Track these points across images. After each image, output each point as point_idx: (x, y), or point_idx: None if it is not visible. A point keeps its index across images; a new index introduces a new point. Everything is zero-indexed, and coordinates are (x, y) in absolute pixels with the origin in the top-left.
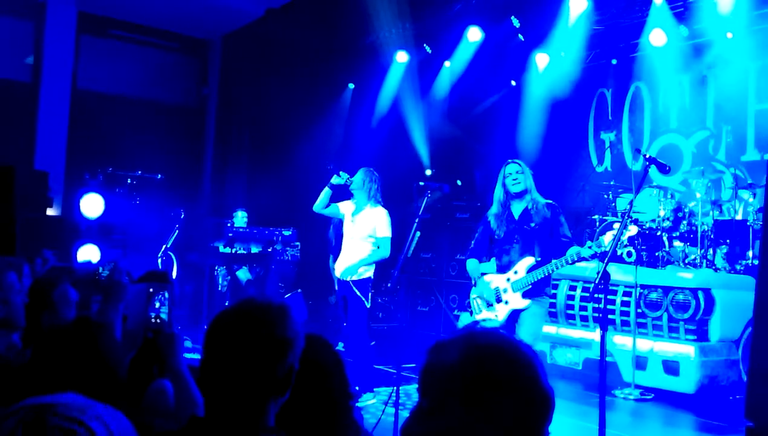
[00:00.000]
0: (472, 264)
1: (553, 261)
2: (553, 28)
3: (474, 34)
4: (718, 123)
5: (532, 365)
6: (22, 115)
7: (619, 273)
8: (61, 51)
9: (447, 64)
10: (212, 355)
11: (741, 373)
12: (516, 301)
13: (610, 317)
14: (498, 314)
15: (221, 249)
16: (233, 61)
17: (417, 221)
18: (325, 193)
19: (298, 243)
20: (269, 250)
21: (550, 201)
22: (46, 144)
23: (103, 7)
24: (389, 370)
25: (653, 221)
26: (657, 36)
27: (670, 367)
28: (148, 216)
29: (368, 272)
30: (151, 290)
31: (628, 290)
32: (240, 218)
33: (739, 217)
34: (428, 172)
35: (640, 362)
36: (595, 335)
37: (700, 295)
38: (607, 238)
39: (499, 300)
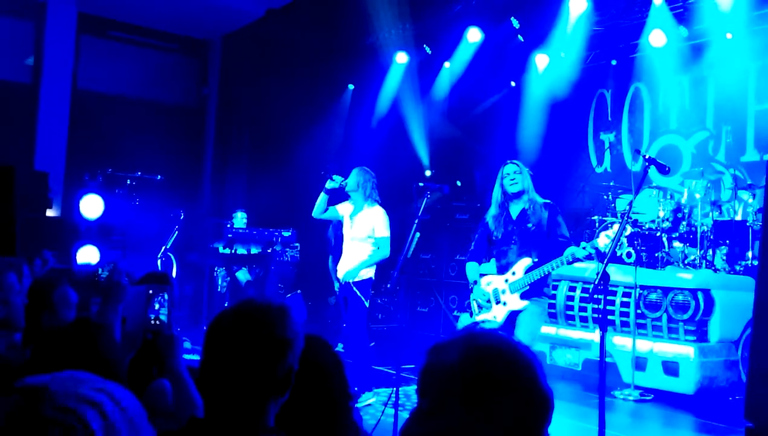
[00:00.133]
0: (471, 267)
1: (550, 262)
2: (552, 28)
3: (474, 35)
4: (718, 124)
5: (531, 365)
6: (22, 116)
7: (618, 274)
8: (61, 51)
9: (447, 64)
10: (212, 355)
11: (740, 374)
12: (514, 302)
13: (609, 317)
14: (497, 315)
15: (221, 250)
16: (233, 62)
17: (417, 221)
18: (322, 198)
19: (297, 244)
20: (269, 251)
21: (548, 201)
22: (46, 145)
23: (104, 8)
24: (389, 371)
25: (653, 221)
26: (657, 37)
27: (670, 368)
28: (148, 217)
29: (369, 273)
30: (150, 291)
31: (627, 290)
32: (239, 219)
33: (738, 217)
34: (428, 172)
35: (639, 363)
36: (594, 335)
37: (700, 296)
38: (601, 239)
39: (497, 301)
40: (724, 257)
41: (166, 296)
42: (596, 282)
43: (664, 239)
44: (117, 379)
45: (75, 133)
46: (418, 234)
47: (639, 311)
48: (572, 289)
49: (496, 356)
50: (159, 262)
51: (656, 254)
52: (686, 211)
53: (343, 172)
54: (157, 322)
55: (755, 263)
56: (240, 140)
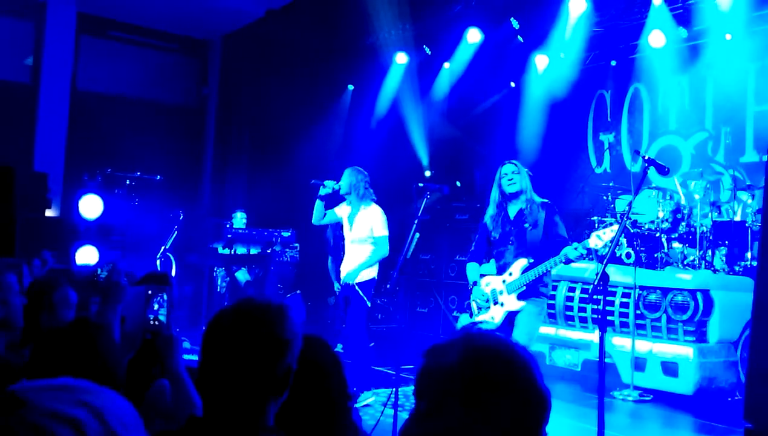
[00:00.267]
0: (471, 268)
1: (545, 262)
2: (552, 29)
3: (473, 36)
4: (717, 124)
5: (528, 366)
6: (22, 116)
7: (618, 274)
8: (60, 52)
9: (446, 65)
10: (211, 355)
11: (739, 374)
12: (511, 303)
13: (608, 318)
14: (494, 316)
15: (220, 250)
16: (233, 62)
17: (416, 222)
18: (318, 206)
19: (297, 244)
20: (268, 251)
21: (546, 200)
22: (45, 145)
23: (103, 7)
24: (388, 371)
25: (652, 222)
26: (656, 37)
27: (669, 368)
28: (147, 217)
29: (372, 273)
30: (149, 291)
31: (627, 291)
32: (239, 219)
33: (737, 218)
34: (428, 173)
35: (638, 364)
36: (594, 336)
37: (699, 296)
38: (592, 239)
39: (495, 302)
40: (724, 258)
41: (165, 297)
42: (595, 283)
43: (664, 240)
44: (116, 379)
45: (74, 133)
46: (417, 234)
47: (638, 312)
48: (572, 289)
49: (494, 357)
50: (158, 262)
51: (655, 255)
52: (686, 212)
53: (332, 177)
54: (157, 322)
55: (754, 263)
56: (240, 140)
